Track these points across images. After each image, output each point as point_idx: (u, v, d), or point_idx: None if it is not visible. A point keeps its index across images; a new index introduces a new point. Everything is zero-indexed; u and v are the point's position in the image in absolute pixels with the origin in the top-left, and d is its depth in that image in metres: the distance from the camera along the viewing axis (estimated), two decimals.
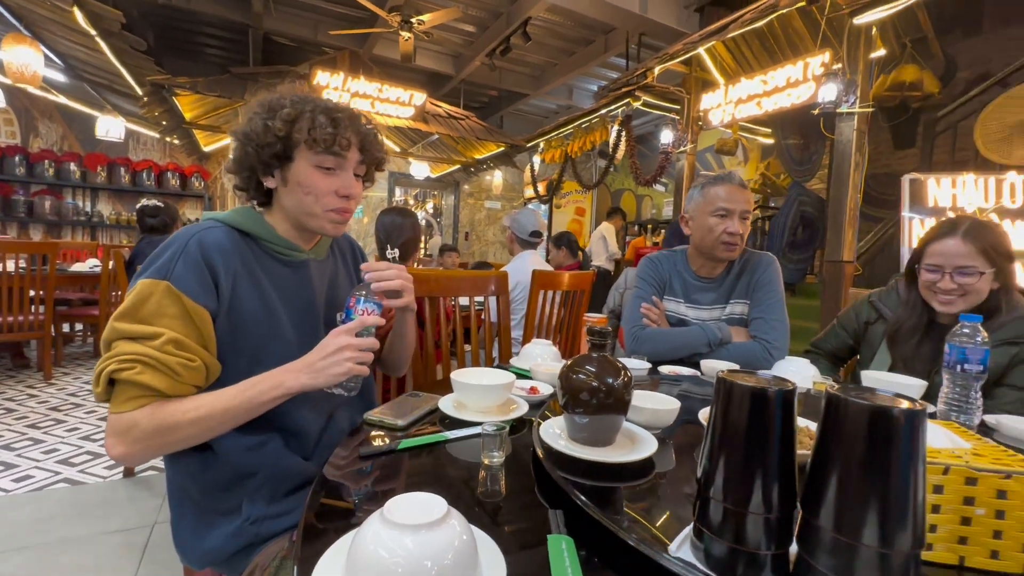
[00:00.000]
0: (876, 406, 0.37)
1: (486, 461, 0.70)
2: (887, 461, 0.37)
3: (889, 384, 1.11)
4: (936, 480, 0.47)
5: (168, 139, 6.39)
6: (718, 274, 1.51)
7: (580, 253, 3.60)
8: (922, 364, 1.23)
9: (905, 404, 0.37)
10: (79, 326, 4.76)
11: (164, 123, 5.11)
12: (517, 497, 0.65)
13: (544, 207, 8.94)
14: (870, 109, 3.39)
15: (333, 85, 4.89)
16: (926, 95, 4.41)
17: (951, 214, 2.97)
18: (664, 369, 1.27)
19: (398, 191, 8.99)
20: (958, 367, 0.96)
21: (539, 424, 0.75)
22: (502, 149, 6.31)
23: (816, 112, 3.51)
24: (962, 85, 4.67)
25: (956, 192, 2.97)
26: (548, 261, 3.69)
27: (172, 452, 0.78)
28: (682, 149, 4.82)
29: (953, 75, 4.79)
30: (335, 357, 0.79)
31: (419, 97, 5.34)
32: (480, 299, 1.79)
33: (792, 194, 5.22)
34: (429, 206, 10.10)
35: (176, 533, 0.87)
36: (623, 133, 5.21)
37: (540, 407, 0.94)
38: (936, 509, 0.47)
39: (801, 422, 0.78)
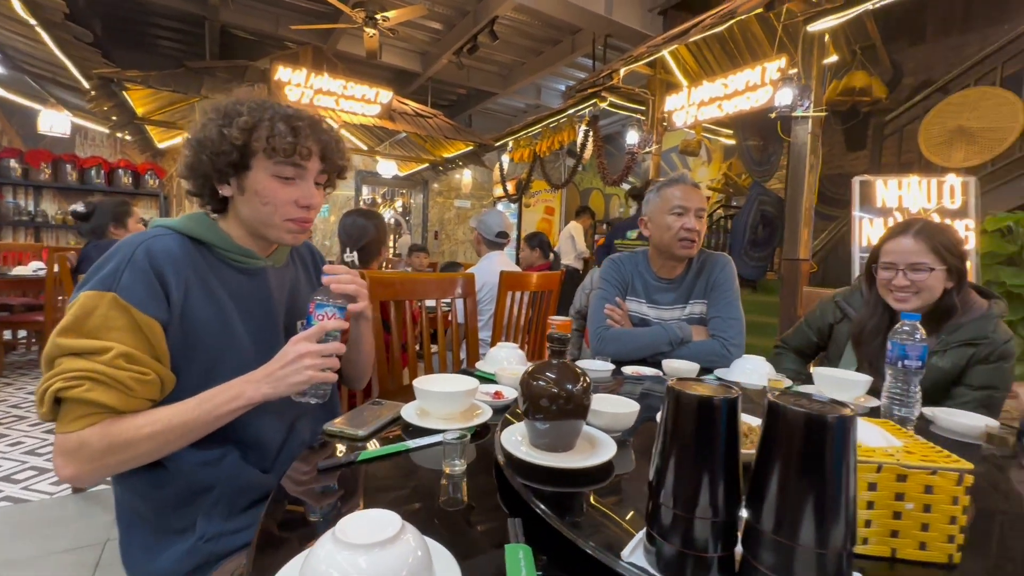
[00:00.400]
0: (811, 413, 0.39)
1: (447, 470, 0.70)
2: (821, 465, 0.39)
3: (838, 380, 1.16)
4: (871, 478, 0.49)
5: (119, 135, 6.09)
6: (677, 275, 1.55)
7: (551, 254, 3.63)
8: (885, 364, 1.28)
9: (840, 411, 0.39)
10: (22, 333, 4.50)
11: (114, 118, 4.87)
12: (479, 505, 0.65)
13: (514, 206, 8.97)
14: (823, 113, 3.54)
15: (295, 81, 4.76)
16: (875, 100, 4.64)
17: (898, 214, 3.13)
18: (627, 369, 1.29)
19: (365, 189, 8.84)
20: (899, 363, 1.02)
21: (501, 431, 0.75)
22: (471, 148, 6.29)
23: (773, 115, 3.64)
24: (907, 91, 4.93)
25: (902, 193, 3.13)
26: (519, 260, 3.70)
27: (127, 470, 0.75)
28: (647, 150, 4.91)
29: (899, 81, 5.04)
30: (295, 365, 0.77)
31: (385, 95, 5.26)
32: (447, 301, 1.78)
33: (752, 194, 5.40)
34: (398, 204, 9.97)
35: (125, 553, 0.84)
36: (590, 133, 5.27)
37: (504, 411, 0.94)
38: (871, 505, 0.50)
39: (754, 421, 0.81)
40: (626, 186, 5.39)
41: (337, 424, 0.85)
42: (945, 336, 1.20)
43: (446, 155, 6.72)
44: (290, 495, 0.65)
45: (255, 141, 0.81)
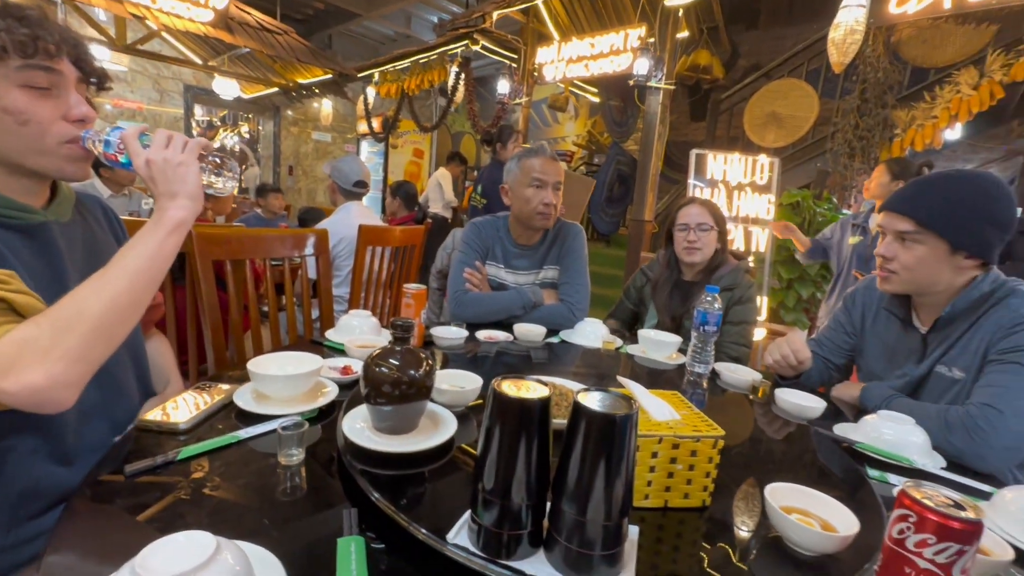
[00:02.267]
0: (600, 413, 0.46)
1: (283, 461, 0.68)
2: (608, 455, 0.46)
3: (656, 341, 1.37)
4: (654, 448, 0.60)
5: None
6: (535, 242, 1.64)
7: (416, 206, 3.51)
8: (675, 310, 1.63)
9: (624, 410, 0.47)
10: None
11: None
12: (320, 495, 0.65)
13: (380, 145, 8.41)
14: (672, 86, 3.86)
15: None
16: (714, 78, 5.17)
17: (722, 186, 3.62)
18: (481, 335, 1.35)
19: (199, 110, 7.51)
20: (701, 328, 1.22)
21: (345, 413, 0.75)
22: (330, 76, 5.66)
23: (632, 83, 3.88)
24: (740, 72, 5.59)
25: (726, 168, 3.62)
26: (384, 208, 3.52)
27: (104, 352, 0.64)
28: (517, 101, 4.91)
29: (735, 63, 5.69)
30: (164, 171, 0.70)
31: None
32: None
33: (611, 154, 5.79)
34: (244, 130, 8.68)
35: None
36: (462, 75, 5.09)
37: (352, 387, 0.93)
38: (652, 469, 0.61)
39: (576, 386, 0.92)
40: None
41: (153, 416, 0.76)
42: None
43: (300, 80, 5.96)
44: (86, 514, 0.57)
45: None
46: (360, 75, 5.89)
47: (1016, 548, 0.61)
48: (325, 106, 6.92)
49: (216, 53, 5.81)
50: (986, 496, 0.76)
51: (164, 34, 4.93)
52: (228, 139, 8.36)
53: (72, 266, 0.78)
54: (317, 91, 6.11)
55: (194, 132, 7.17)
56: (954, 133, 3.79)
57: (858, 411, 1.08)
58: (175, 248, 0.70)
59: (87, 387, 0.79)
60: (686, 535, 0.61)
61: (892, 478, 0.80)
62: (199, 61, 5.83)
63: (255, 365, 0.81)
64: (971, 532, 0.43)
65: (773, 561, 0.56)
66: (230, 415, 0.81)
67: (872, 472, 0.81)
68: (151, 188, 0.71)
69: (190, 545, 0.41)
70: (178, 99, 6.79)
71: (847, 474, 0.79)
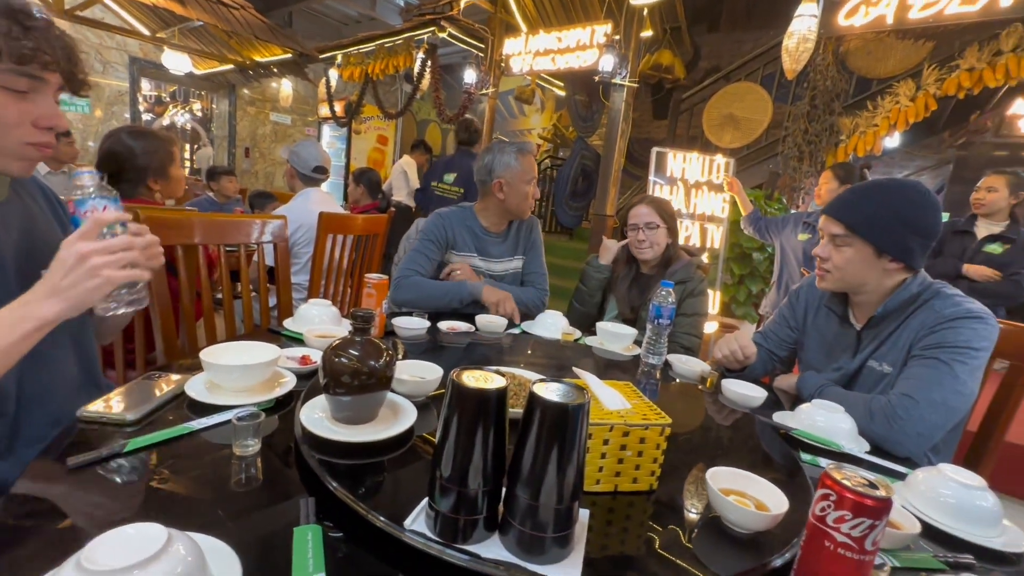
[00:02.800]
0: (554, 402, 0.48)
1: (238, 452, 0.68)
2: (561, 442, 0.49)
3: (612, 334, 1.41)
4: (605, 435, 0.63)
5: None
6: (503, 229, 1.69)
7: (380, 194, 3.44)
8: (633, 300, 1.70)
9: (578, 400, 0.49)
10: None
11: None
12: (277, 486, 0.65)
13: (342, 130, 8.18)
14: (636, 84, 3.93)
15: None
16: (676, 78, 5.30)
17: (680, 183, 3.73)
18: (442, 325, 1.36)
19: (146, 84, 7.07)
20: (656, 321, 1.27)
21: (303, 402, 0.74)
22: (290, 55, 5.44)
23: (597, 79, 3.93)
24: (701, 74, 5.75)
25: (685, 166, 3.73)
26: (347, 195, 3.43)
27: None
28: (484, 91, 4.88)
29: (696, 64, 5.84)
30: (79, 270, 0.64)
31: None
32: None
33: (576, 148, 5.84)
34: (196, 107, 8.23)
35: None
36: (428, 63, 5.00)
37: (311, 378, 0.92)
38: (603, 456, 0.64)
39: (532, 375, 0.94)
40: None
41: (97, 407, 0.73)
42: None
43: (258, 58, 5.71)
44: (26, 506, 0.55)
45: None
46: (322, 56, 5.69)
47: (924, 522, 0.67)
48: (285, 87, 6.65)
49: (166, 24, 5.47)
50: (902, 477, 0.83)
51: (107, 1, 4.60)
52: (178, 117, 7.92)
53: (7, 246, 0.75)
54: (276, 71, 5.87)
55: (140, 108, 6.76)
56: (893, 141, 4.05)
57: (796, 400, 1.15)
58: (32, 345, 0.65)
59: (23, 376, 0.76)
60: (634, 517, 0.64)
61: (822, 461, 0.86)
62: (147, 32, 5.47)
63: (209, 355, 0.79)
64: (881, 508, 0.48)
65: (713, 539, 0.60)
66: (181, 405, 0.79)
67: (805, 456, 0.87)
68: (50, 270, 0.65)
69: (140, 537, 0.40)
70: (123, 72, 6.36)
71: (783, 458, 0.85)
